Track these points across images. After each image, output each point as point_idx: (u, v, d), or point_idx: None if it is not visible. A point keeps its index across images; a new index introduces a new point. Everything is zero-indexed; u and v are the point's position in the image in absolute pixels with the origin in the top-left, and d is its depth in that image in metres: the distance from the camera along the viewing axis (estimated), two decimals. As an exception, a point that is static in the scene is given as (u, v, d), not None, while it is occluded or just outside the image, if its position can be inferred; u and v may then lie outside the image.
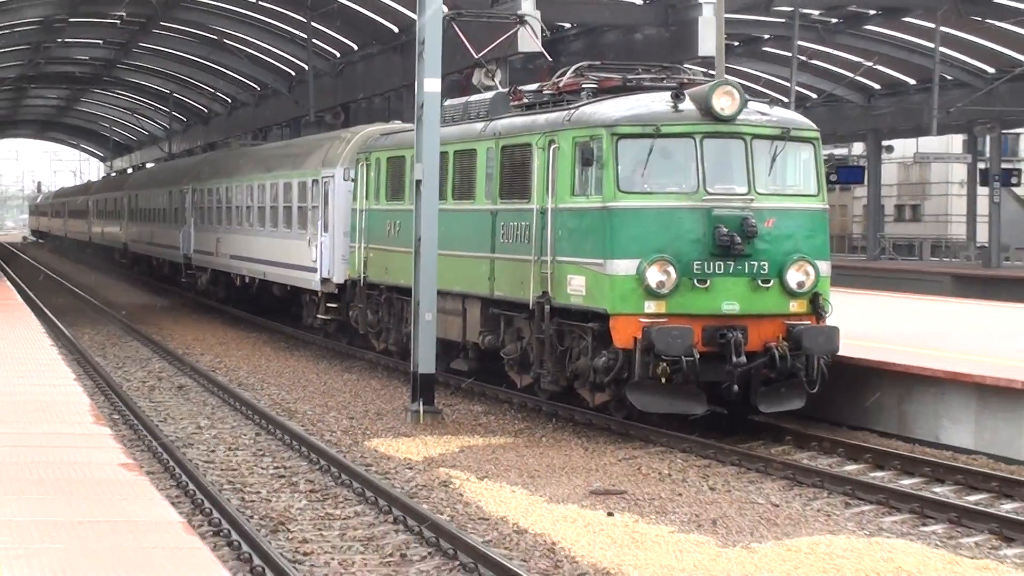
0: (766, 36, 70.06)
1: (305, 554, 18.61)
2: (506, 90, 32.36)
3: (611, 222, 25.71)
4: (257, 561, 17.53)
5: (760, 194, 25.96)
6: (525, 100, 30.74)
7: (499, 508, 21.17)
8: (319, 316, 41.46)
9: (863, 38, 71.94)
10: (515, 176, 29.31)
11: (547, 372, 28.00)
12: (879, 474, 24.00)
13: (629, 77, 28.69)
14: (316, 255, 41.19)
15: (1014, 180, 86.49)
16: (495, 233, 30.00)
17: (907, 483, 23.16)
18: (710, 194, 25.64)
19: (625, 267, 25.32)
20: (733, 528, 20.08)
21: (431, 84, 29.72)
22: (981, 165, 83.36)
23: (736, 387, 25.18)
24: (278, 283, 47.11)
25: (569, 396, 28.68)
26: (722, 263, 25.42)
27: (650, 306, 25.20)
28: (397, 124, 41.25)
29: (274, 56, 77.95)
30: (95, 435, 20.00)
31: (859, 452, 25.15)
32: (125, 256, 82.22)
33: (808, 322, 25.84)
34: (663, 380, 24.90)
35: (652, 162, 25.93)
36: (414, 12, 30.87)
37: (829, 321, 26.39)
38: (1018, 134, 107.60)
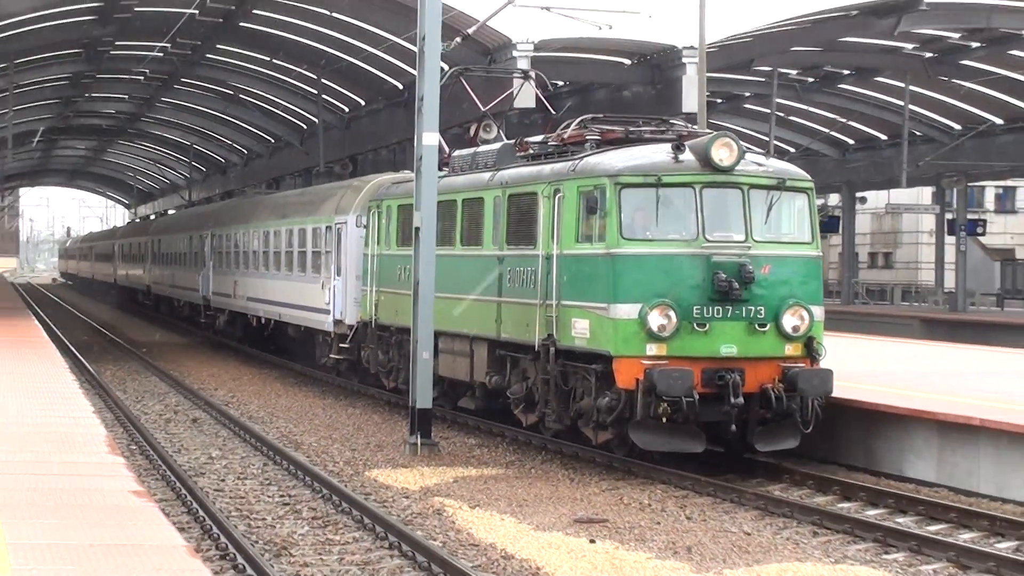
0: (747, 94, 70.34)
1: (305, 576, 18.67)
2: (512, 141, 31.49)
3: (614, 268, 24.87)
4: (261, 584, 17.59)
5: (757, 241, 25.18)
6: (530, 151, 29.98)
7: (488, 535, 21.15)
8: (332, 356, 40.32)
9: (838, 96, 72.29)
10: (521, 223, 28.46)
11: (551, 411, 27.10)
12: (846, 505, 23.88)
13: (631, 129, 27.94)
14: (329, 298, 40.15)
15: (979, 230, 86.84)
16: (502, 278, 29.02)
17: (872, 513, 23.12)
18: (709, 241, 24.85)
19: (627, 311, 24.52)
20: (707, 555, 20.06)
21: (429, 138, 29.82)
22: (948, 216, 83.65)
23: (734, 427, 24.61)
24: (292, 324, 46.29)
25: (573, 434, 27.78)
26: (720, 308, 24.66)
27: (651, 348, 24.38)
28: (407, 173, 39.84)
29: (286, 110, 78.02)
30: (109, 464, 20.00)
31: (828, 484, 25.03)
32: (148, 297, 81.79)
33: (803, 364, 25.15)
34: (664, 420, 24.19)
35: (654, 210, 25.04)
36: (416, 70, 30.85)
37: (823, 364, 25.82)
38: (983, 187, 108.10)
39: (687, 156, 25.13)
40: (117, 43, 65.34)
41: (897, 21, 54.71)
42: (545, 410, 27.34)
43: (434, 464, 27.96)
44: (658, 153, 25.52)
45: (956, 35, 60.36)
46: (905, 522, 22.41)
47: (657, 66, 51.83)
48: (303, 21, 58.53)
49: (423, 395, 29.80)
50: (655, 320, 24.27)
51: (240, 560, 18.81)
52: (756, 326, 24.81)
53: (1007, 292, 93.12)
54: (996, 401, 26.91)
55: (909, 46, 62.53)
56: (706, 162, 24.98)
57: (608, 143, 27.26)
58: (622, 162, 25.45)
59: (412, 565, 19.29)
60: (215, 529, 20.85)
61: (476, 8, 54.00)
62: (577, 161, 26.57)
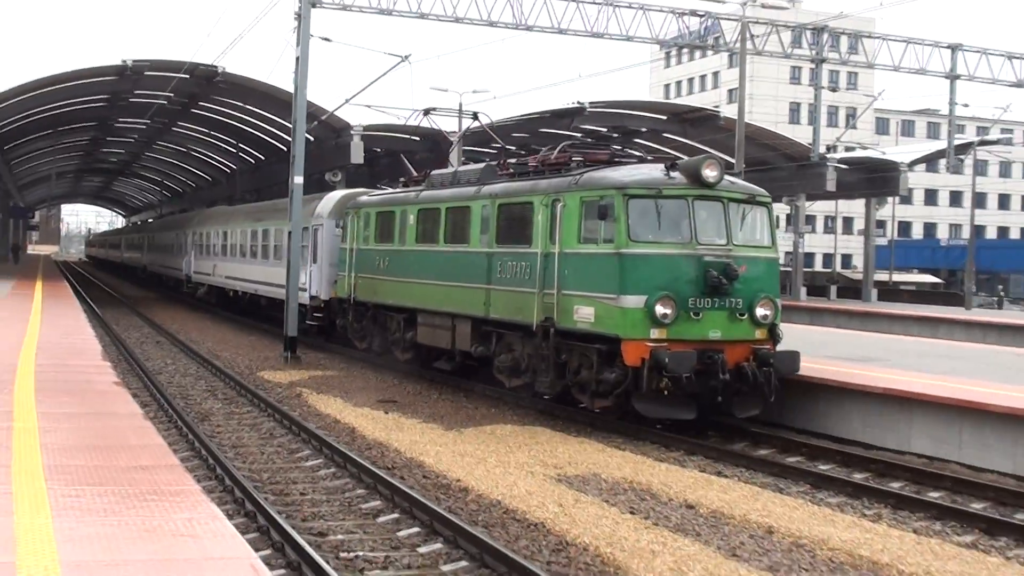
0: (490, 161, 70.41)
1: (218, 432, 18.55)
2: (494, 163, 24.60)
3: (622, 265, 18.68)
4: (191, 436, 17.42)
5: (736, 245, 19.21)
6: (511, 170, 23.44)
7: (326, 409, 21.09)
8: (309, 322, 32.76)
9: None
10: (512, 227, 21.80)
11: (546, 379, 20.61)
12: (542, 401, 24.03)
13: (614, 155, 22.04)
14: (306, 279, 32.99)
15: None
16: (491, 269, 22.17)
17: (548, 398, 23.26)
18: (701, 244, 18.86)
19: (635, 301, 18.45)
20: (452, 421, 20.21)
21: (298, 179, 29.74)
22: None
23: (720, 398, 18.73)
24: (267, 297, 39.23)
25: (560, 399, 21.42)
26: (710, 299, 18.73)
27: (654, 332, 18.44)
28: (361, 189, 33.56)
29: (217, 161, 77.28)
30: (102, 366, 19.64)
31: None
32: (144, 273, 78.18)
33: (768, 347, 19.23)
34: (665, 392, 18.41)
35: (655, 218, 18.96)
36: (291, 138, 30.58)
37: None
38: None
39: (676, 174, 19.45)
40: (119, 119, 64.07)
41: (572, 120, 55.33)
42: (540, 378, 20.82)
43: (297, 369, 27.76)
44: (653, 171, 19.73)
45: (605, 129, 61.14)
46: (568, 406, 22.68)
47: (436, 140, 51.85)
48: (229, 110, 57.88)
49: (292, 327, 29.68)
50: (660, 309, 18.41)
51: (180, 423, 18.68)
52: (737, 315, 19.03)
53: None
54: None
55: (579, 135, 63.16)
56: (696, 178, 19.26)
57: (591, 164, 21.14)
58: (628, 177, 19.43)
59: (281, 426, 19.29)
60: (166, 404, 20.61)
61: (328, 101, 53.42)
62: (577, 176, 20.27)
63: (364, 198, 29.57)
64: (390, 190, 29.09)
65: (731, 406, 19.02)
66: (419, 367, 26.77)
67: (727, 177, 19.79)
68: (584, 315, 19.33)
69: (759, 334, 19.17)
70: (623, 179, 19.27)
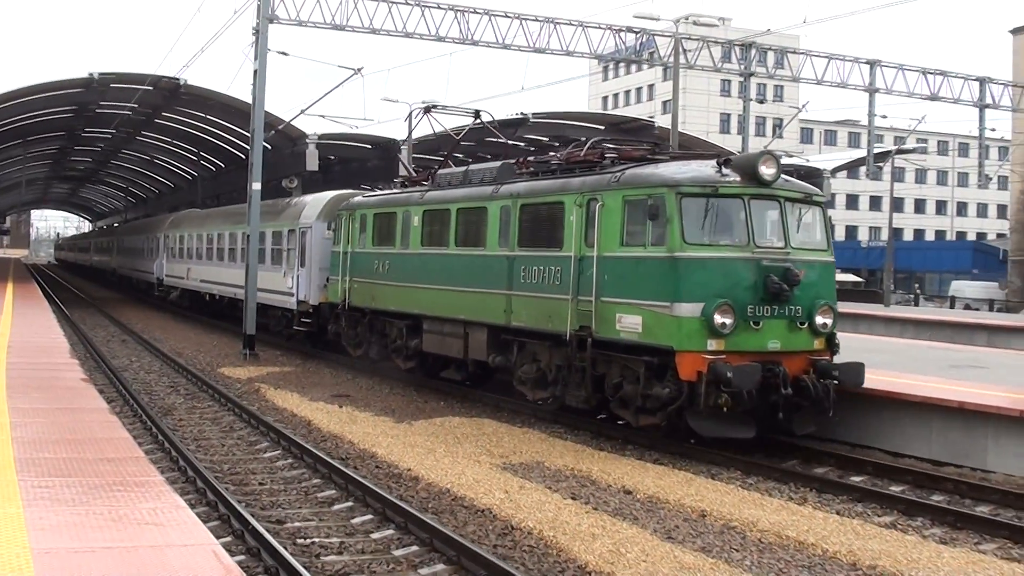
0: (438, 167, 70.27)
1: (180, 426, 18.40)
2: (512, 161, 21.26)
3: (677, 269, 15.80)
4: (155, 430, 17.28)
5: (794, 248, 16.47)
6: (532, 168, 20.26)
7: (284, 404, 21.02)
8: (296, 327, 30.31)
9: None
10: (538, 228, 18.79)
11: (582, 392, 17.74)
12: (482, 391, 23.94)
13: (652, 151, 18.79)
14: (292, 284, 30.26)
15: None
16: (513, 274, 19.21)
17: (492, 393, 23.25)
18: (759, 247, 16.13)
19: (691, 309, 15.66)
20: (403, 414, 20.17)
21: (256, 185, 29.54)
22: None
23: (781, 414, 15.99)
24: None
25: (589, 412, 18.85)
26: (770, 307, 16.01)
27: (712, 344, 15.65)
28: (348, 191, 30.32)
29: (180, 169, 76.52)
30: (69, 363, 19.41)
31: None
32: (114, 276, 75.04)
33: (826, 357, 16.66)
34: (724, 409, 15.54)
35: (710, 218, 16.11)
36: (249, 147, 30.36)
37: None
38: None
39: (729, 170, 16.50)
40: (86, 129, 63.28)
41: (516, 130, 55.30)
42: (571, 391, 18.07)
43: (255, 365, 27.64)
44: (704, 167, 16.73)
45: (547, 138, 61.20)
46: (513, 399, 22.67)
47: (387, 148, 51.66)
48: (191, 120, 57.36)
49: (250, 326, 29.51)
50: (719, 318, 15.67)
51: (144, 417, 18.52)
52: (796, 323, 16.30)
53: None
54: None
55: (523, 144, 63.18)
56: (751, 176, 16.36)
57: (629, 160, 18.09)
58: (680, 174, 16.45)
59: (240, 420, 19.20)
60: (131, 399, 20.43)
61: (285, 111, 53.11)
62: (619, 173, 17.26)
63: (359, 199, 26.59)
64: (389, 190, 26.21)
65: (789, 422, 16.35)
66: (423, 376, 23.97)
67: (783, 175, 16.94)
68: (629, 324, 16.50)
69: (817, 344, 16.63)
70: (675, 176, 16.34)
